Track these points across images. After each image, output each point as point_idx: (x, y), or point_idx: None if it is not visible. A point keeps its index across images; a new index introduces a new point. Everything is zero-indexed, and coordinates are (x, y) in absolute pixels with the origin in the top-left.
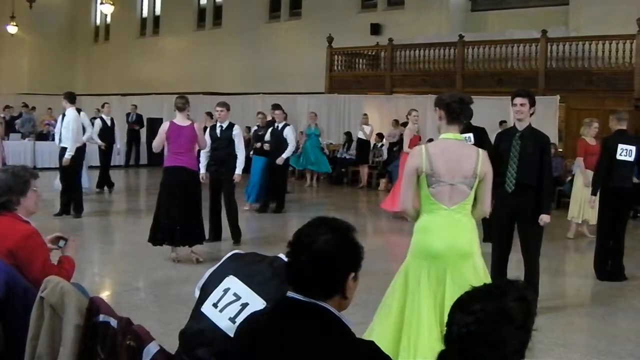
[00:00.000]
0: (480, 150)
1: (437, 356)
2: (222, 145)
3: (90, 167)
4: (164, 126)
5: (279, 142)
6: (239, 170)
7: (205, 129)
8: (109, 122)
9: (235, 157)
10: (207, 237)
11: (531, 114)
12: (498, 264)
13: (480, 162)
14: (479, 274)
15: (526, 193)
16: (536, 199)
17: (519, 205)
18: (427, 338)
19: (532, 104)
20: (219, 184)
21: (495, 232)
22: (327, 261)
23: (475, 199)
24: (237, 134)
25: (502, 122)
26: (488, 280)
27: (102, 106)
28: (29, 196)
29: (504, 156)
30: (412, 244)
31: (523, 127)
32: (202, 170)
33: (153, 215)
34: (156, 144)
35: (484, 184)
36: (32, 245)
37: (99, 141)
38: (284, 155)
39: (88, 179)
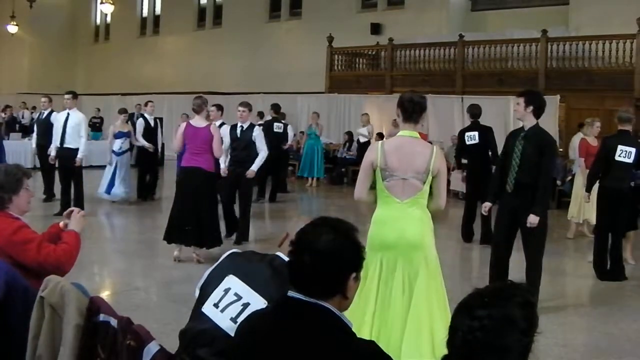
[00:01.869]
0: (435, 147)
1: None
2: (241, 146)
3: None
4: (181, 127)
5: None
6: (254, 166)
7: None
8: (152, 122)
9: (254, 158)
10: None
11: (537, 116)
12: (498, 265)
13: (434, 159)
14: (429, 266)
15: (526, 193)
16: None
17: (518, 205)
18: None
19: (528, 102)
20: (236, 184)
21: (495, 231)
22: (329, 261)
23: (431, 193)
24: (258, 135)
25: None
26: (438, 272)
27: (145, 104)
28: (22, 195)
29: (509, 155)
30: (369, 237)
31: (528, 126)
32: (222, 165)
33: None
34: (175, 145)
35: (438, 179)
36: (20, 236)
37: (146, 143)
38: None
39: (126, 185)
